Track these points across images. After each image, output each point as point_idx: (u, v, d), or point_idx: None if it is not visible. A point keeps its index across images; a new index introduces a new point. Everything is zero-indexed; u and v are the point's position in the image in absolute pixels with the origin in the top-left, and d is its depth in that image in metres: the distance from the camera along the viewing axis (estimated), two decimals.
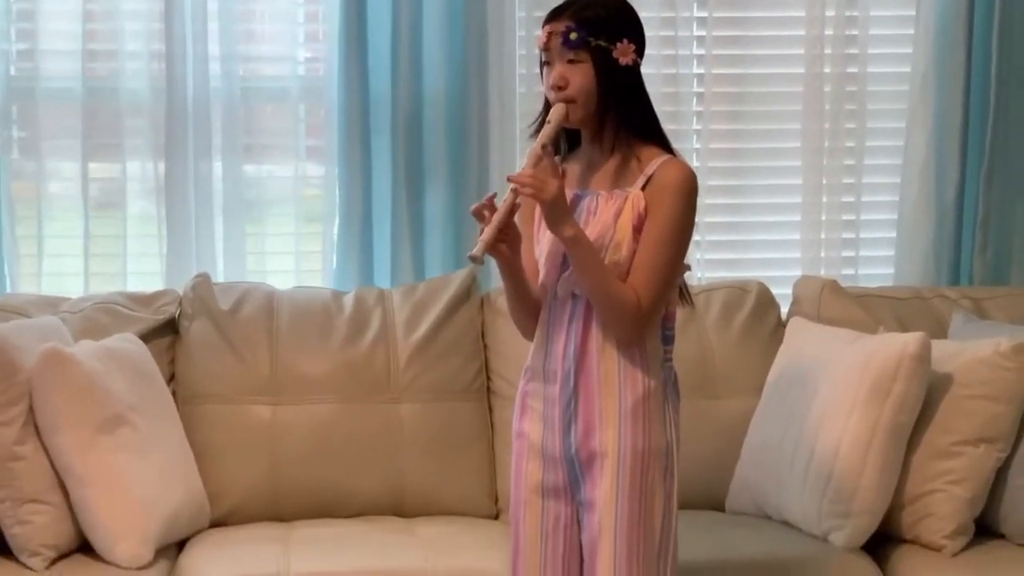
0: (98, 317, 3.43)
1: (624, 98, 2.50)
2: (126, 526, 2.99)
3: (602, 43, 2.47)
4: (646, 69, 2.56)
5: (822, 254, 3.93)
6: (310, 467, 3.37)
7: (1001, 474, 3.17)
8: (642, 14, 2.56)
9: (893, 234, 3.97)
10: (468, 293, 3.58)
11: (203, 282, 3.53)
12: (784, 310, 3.69)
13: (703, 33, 3.88)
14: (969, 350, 3.23)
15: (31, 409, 3.00)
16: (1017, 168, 3.92)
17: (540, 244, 2.57)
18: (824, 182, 3.92)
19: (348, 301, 3.56)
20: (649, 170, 2.50)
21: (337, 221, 3.79)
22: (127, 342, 3.30)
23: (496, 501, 3.45)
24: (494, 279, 3.63)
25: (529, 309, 2.61)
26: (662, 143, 2.54)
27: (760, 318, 3.62)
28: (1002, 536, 3.19)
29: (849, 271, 3.96)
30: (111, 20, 3.74)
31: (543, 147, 2.46)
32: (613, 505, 2.48)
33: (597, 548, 2.50)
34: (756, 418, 3.40)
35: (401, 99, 3.74)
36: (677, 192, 2.47)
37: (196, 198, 3.74)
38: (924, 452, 3.17)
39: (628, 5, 2.54)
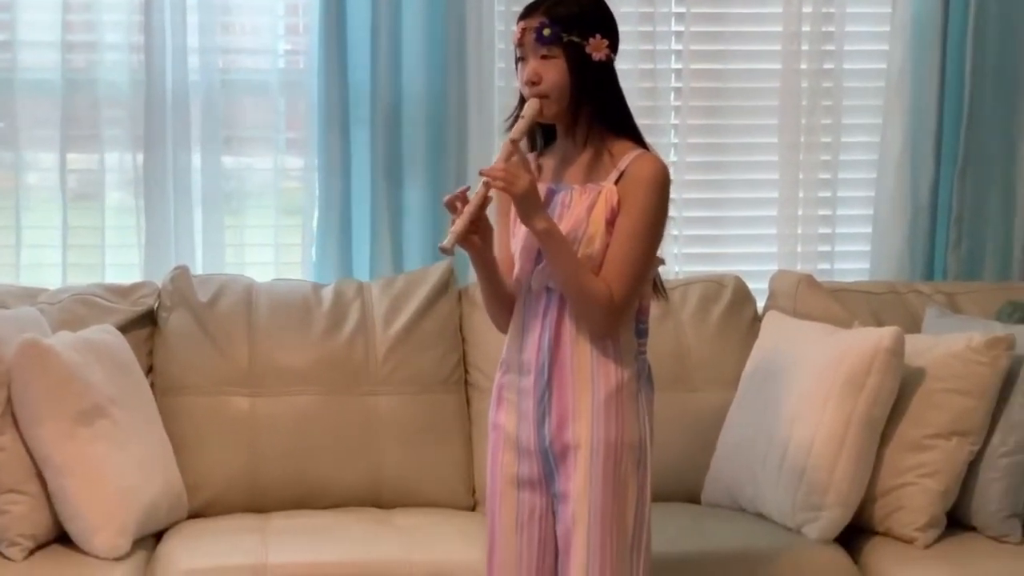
0: (76, 308, 3.43)
1: (597, 93, 2.51)
2: (104, 517, 3.00)
3: (575, 39, 2.49)
4: (624, 64, 2.58)
5: (798, 249, 3.95)
6: (288, 459, 3.37)
7: (973, 467, 3.19)
8: (621, 9, 2.58)
9: (869, 229, 4.00)
10: (447, 286, 3.59)
11: (182, 274, 3.53)
12: (760, 304, 3.71)
13: (681, 28, 3.90)
14: (942, 344, 3.25)
15: (9, 400, 2.99)
16: (991, 165, 3.95)
17: (516, 237, 2.59)
18: (800, 177, 3.94)
19: (327, 294, 3.57)
20: (622, 164, 2.52)
21: (316, 213, 3.80)
22: (105, 333, 3.29)
23: (474, 493, 3.46)
24: (473, 272, 3.63)
25: (503, 302, 2.62)
26: (635, 138, 2.56)
27: (736, 312, 3.64)
28: (973, 529, 3.22)
29: (825, 266, 3.98)
30: (90, 11, 3.74)
31: (513, 142, 2.48)
32: (586, 497, 2.50)
33: (571, 540, 2.52)
34: (732, 411, 3.42)
35: (380, 92, 3.74)
36: (649, 186, 2.49)
37: (175, 190, 3.74)
38: (897, 445, 3.20)
39: (602, 1, 2.56)
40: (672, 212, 3.83)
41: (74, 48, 3.74)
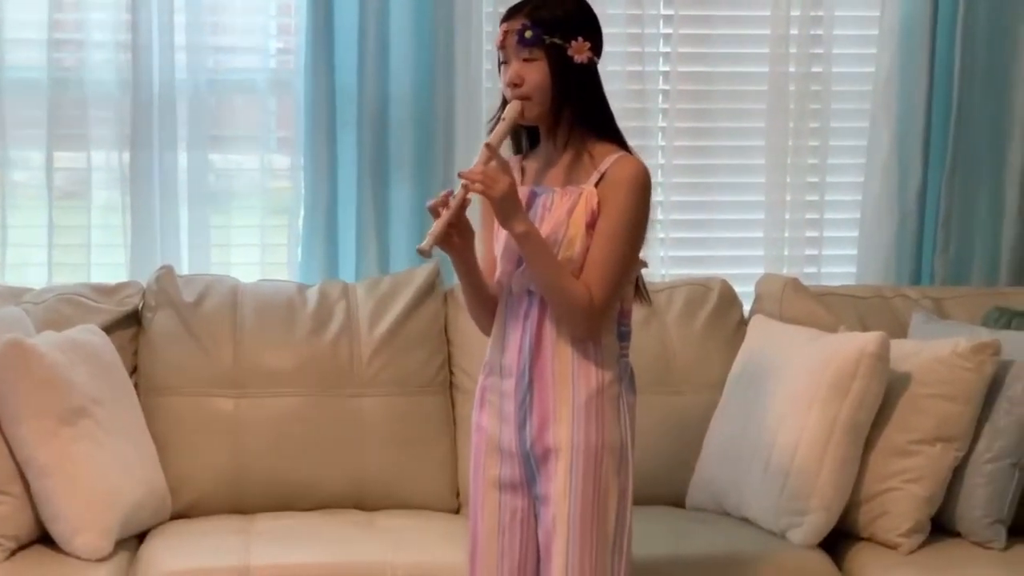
0: (61, 308, 3.42)
1: (579, 95, 2.51)
2: (86, 518, 2.99)
3: (557, 41, 2.48)
4: (612, 66, 2.58)
5: (785, 252, 3.95)
6: (272, 460, 3.37)
7: (958, 473, 3.19)
8: (608, 11, 2.58)
9: (856, 233, 4.00)
10: (432, 288, 3.58)
11: (167, 274, 3.52)
12: (747, 307, 3.71)
13: (669, 31, 3.89)
14: (928, 349, 3.25)
15: None
16: (979, 169, 3.95)
17: (498, 240, 2.58)
18: (788, 180, 3.94)
19: (312, 294, 3.56)
20: (603, 167, 2.51)
21: (302, 214, 3.79)
22: (90, 333, 3.29)
23: (458, 495, 3.45)
24: None
25: (485, 305, 2.62)
26: (617, 140, 2.55)
27: (722, 315, 3.64)
28: (958, 535, 3.21)
29: (812, 269, 3.98)
30: (77, 10, 3.73)
31: (488, 145, 2.47)
32: (567, 500, 2.50)
33: (552, 542, 2.52)
34: (717, 415, 3.42)
35: (368, 93, 3.74)
36: (630, 188, 2.49)
37: (161, 189, 3.73)
38: (882, 450, 3.20)
39: (585, 3, 2.56)
40: (659, 215, 3.87)
41: (61, 46, 3.73)
